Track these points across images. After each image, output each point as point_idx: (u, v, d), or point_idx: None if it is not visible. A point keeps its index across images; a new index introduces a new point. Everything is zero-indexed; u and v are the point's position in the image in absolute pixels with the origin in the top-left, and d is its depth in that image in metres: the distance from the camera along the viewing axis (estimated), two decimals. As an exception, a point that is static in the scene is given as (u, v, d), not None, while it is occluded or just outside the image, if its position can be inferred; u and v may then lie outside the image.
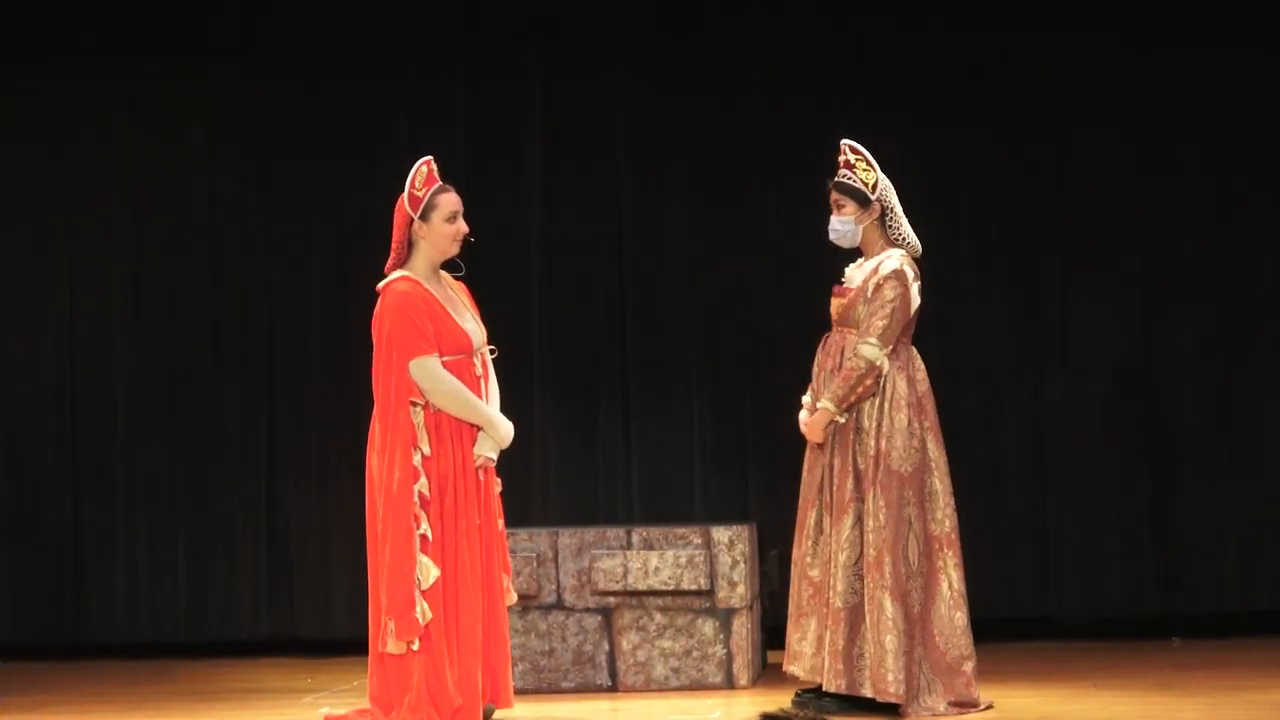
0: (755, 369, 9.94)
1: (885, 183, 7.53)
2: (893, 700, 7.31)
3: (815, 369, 7.61)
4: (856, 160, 7.50)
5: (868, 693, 7.36)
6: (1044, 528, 9.82)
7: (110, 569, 10.25)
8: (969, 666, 7.45)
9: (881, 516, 7.34)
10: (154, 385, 10.31)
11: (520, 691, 8.07)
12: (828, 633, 7.41)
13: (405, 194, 7.08)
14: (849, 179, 7.51)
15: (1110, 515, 9.76)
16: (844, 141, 7.56)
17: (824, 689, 7.43)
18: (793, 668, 7.56)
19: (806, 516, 7.56)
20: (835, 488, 7.43)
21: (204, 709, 8.32)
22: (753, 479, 9.90)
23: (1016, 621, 9.82)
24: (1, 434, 10.39)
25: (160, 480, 10.25)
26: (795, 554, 7.59)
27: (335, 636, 9.98)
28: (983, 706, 7.50)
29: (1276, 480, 9.72)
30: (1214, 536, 9.70)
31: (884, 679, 7.29)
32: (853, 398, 7.41)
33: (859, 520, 7.39)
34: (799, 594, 7.56)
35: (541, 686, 8.39)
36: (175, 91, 10.38)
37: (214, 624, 10.18)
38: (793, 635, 7.56)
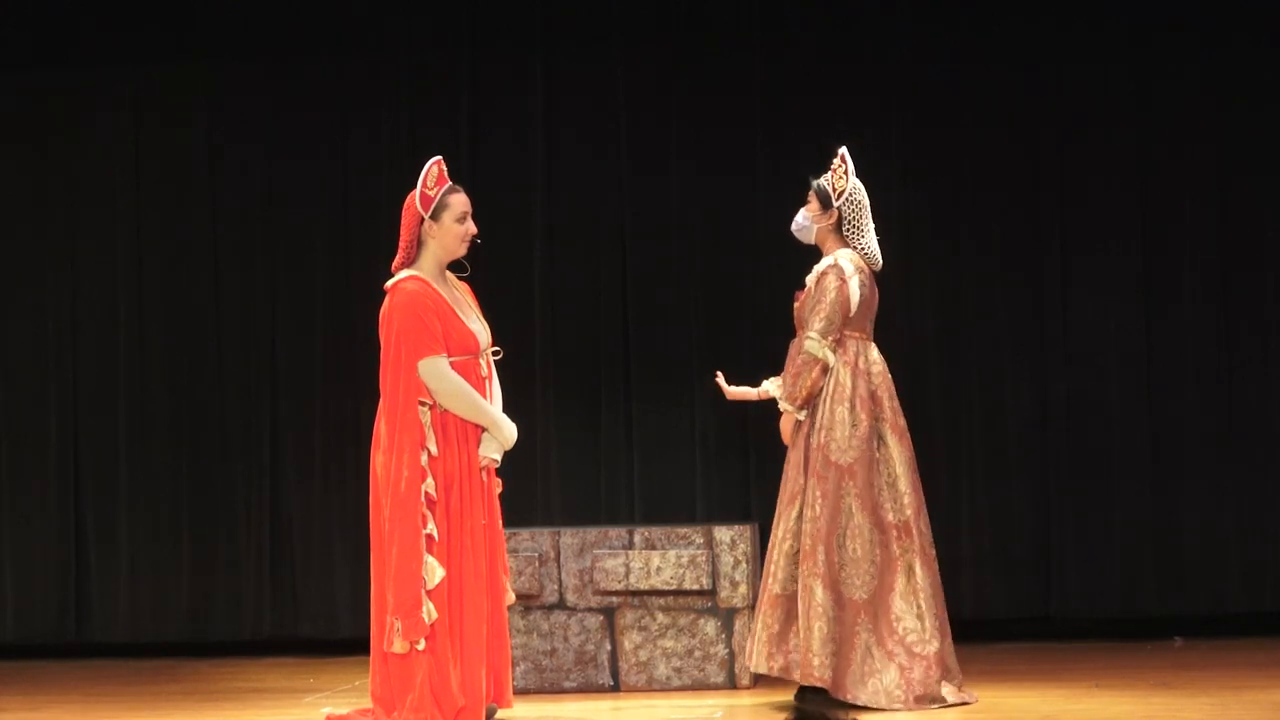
0: (758, 369, 9.89)
1: (855, 195, 7.72)
2: (817, 684, 7.44)
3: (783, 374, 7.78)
4: (839, 166, 7.72)
5: (798, 678, 7.48)
6: (1045, 527, 9.82)
7: (112, 568, 10.25)
8: (931, 650, 7.47)
9: (818, 507, 7.49)
10: (156, 384, 10.31)
11: (522, 691, 8.09)
12: (763, 617, 7.55)
13: (417, 193, 7.08)
14: (824, 181, 7.74)
15: (1112, 514, 9.76)
16: (842, 148, 7.71)
17: (754, 670, 7.59)
18: (749, 661, 7.69)
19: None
20: (788, 480, 7.62)
21: (206, 708, 8.32)
22: (755, 479, 9.89)
23: (1016, 621, 9.82)
24: (3, 433, 10.39)
25: (162, 479, 10.25)
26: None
27: (337, 636, 9.98)
28: (952, 702, 7.50)
29: (1279, 479, 9.72)
30: (1216, 536, 9.70)
31: (810, 664, 7.42)
32: (802, 393, 7.60)
33: (801, 511, 7.53)
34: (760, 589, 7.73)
35: (544, 686, 8.40)
36: (176, 91, 10.38)
37: (216, 623, 10.19)
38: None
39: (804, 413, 7.61)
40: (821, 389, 7.59)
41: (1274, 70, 9.78)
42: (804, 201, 7.82)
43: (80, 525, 10.30)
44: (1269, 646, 9.21)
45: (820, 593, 7.42)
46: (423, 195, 7.08)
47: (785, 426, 7.71)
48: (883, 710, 7.40)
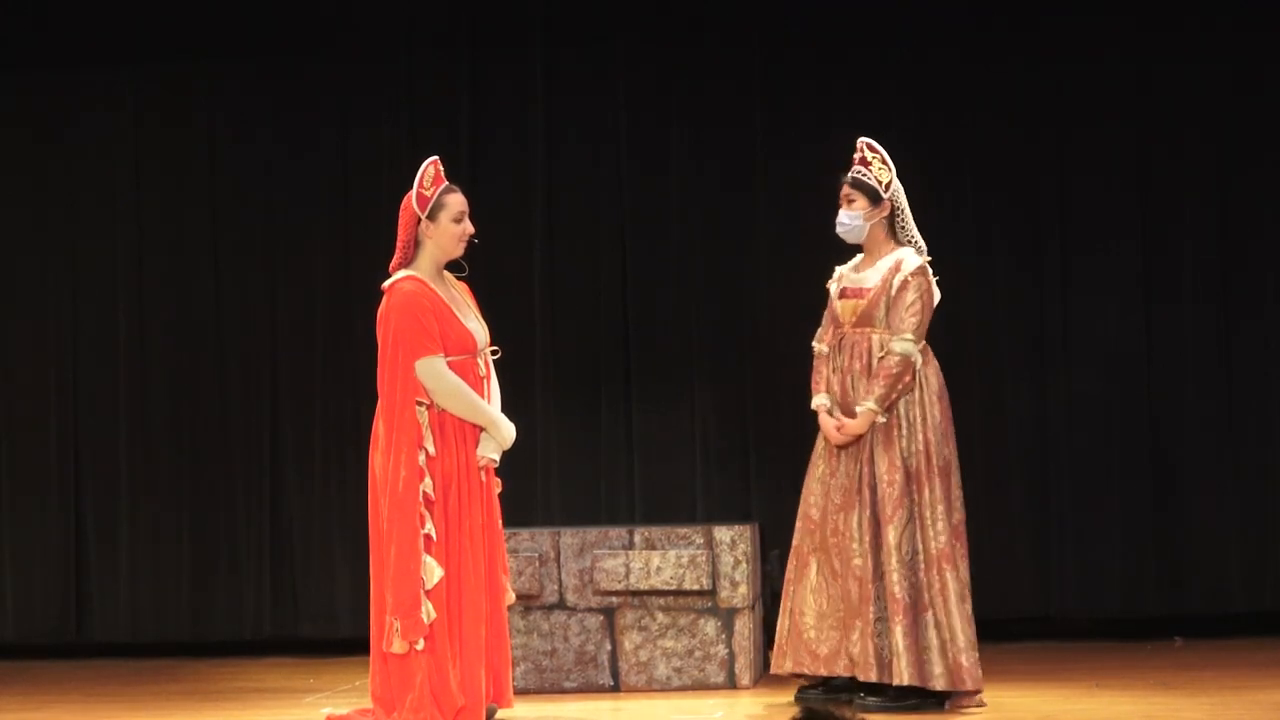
0: (758, 368, 9.94)
1: (898, 184, 7.60)
2: (971, 689, 7.40)
3: (837, 374, 7.61)
4: (873, 157, 7.61)
5: (940, 685, 7.39)
6: (1045, 527, 9.81)
7: (113, 568, 10.24)
8: (966, 658, 7.45)
9: (940, 508, 7.43)
10: (157, 383, 10.31)
11: (522, 691, 8.09)
12: (897, 628, 7.39)
13: (413, 193, 7.07)
14: (864, 175, 7.59)
15: (1112, 514, 9.76)
16: (861, 140, 7.63)
17: (892, 683, 7.41)
18: (837, 667, 7.55)
19: (849, 518, 7.54)
20: (885, 485, 7.46)
21: (206, 709, 8.33)
22: (755, 479, 9.89)
23: (1016, 621, 9.81)
24: (4, 433, 10.39)
25: (163, 479, 10.25)
26: (839, 557, 7.56)
27: (338, 636, 9.98)
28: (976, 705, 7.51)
29: (1279, 479, 9.72)
30: (1216, 536, 9.69)
31: (961, 668, 7.37)
32: (894, 395, 7.47)
33: (913, 517, 7.42)
34: (849, 596, 7.53)
35: (544, 686, 8.40)
36: (176, 91, 10.38)
37: (216, 623, 10.18)
38: (850, 637, 7.52)
39: (885, 415, 7.48)
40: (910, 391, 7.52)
41: (1274, 69, 9.78)
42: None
43: (80, 525, 10.30)
44: (1269, 646, 9.21)
45: (966, 600, 7.40)
46: (419, 195, 7.08)
47: (862, 428, 7.49)
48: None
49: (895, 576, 7.40)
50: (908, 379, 7.47)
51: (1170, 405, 9.78)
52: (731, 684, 8.37)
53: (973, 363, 9.87)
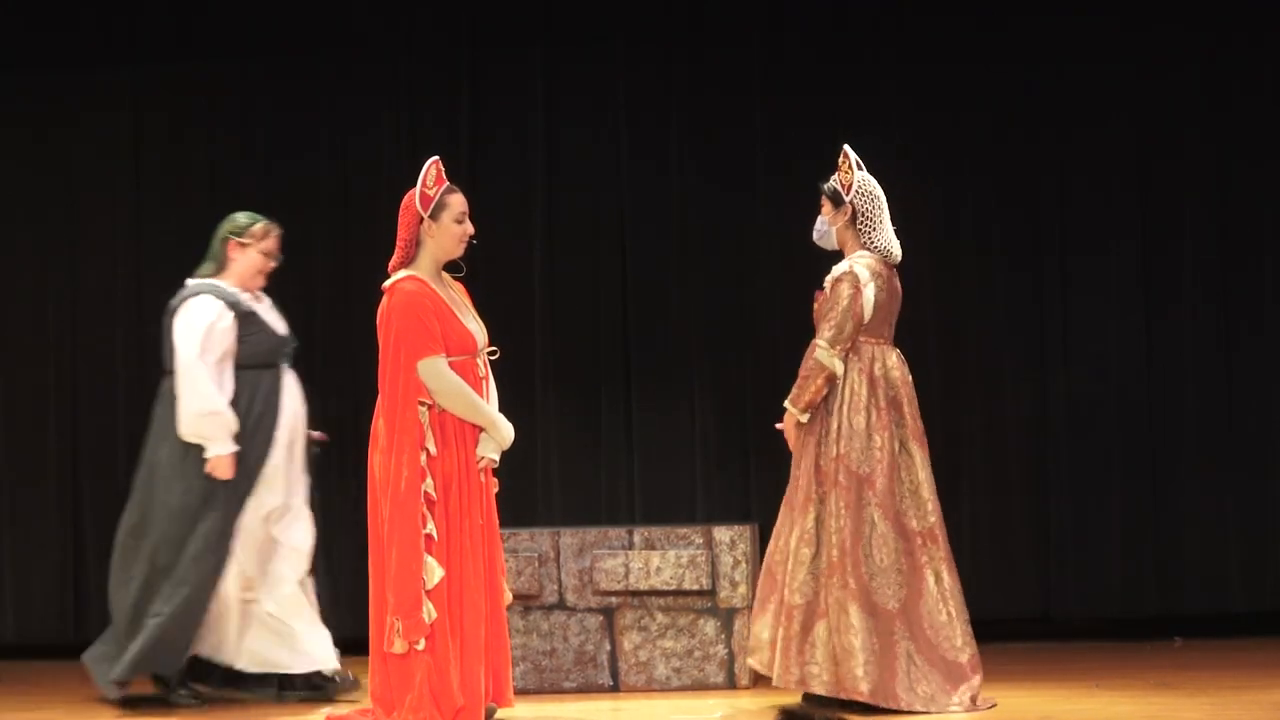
0: (758, 368, 9.94)
1: (865, 187, 7.60)
2: (863, 699, 7.36)
3: None
4: (843, 162, 7.61)
5: (817, 689, 7.41)
6: (1045, 527, 9.82)
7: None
8: (965, 658, 7.46)
9: (842, 518, 7.41)
10: (156, 383, 10.29)
11: (522, 691, 8.09)
12: (780, 628, 7.47)
13: (416, 193, 7.07)
14: (832, 180, 7.61)
15: (1111, 514, 9.76)
16: (845, 146, 7.64)
17: (774, 683, 7.49)
18: (752, 660, 7.65)
19: (780, 512, 7.68)
20: (799, 486, 7.54)
21: (206, 708, 8.31)
22: (754, 479, 9.89)
23: (1016, 621, 9.82)
24: (4, 433, 10.38)
25: (162, 480, 10.24)
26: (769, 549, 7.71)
27: (338, 636, 9.95)
28: (985, 706, 7.50)
29: (1279, 479, 9.72)
30: (1216, 536, 9.70)
31: (853, 678, 7.33)
32: (806, 398, 7.52)
33: (819, 520, 7.45)
34: (763, 586, 7.65)
35: (543, 686, 8.40)
36: (176, 91, 10.37)
37: (216, 624, 10.18)
38: (756, 625, 7.65)
39: (807, 416, 7.53)
40: (828, 396, 7.52)
41: (1274, 69, 9.78)
42: (812, 207, 7.77)
43: (80, 526, 10.29)
44: (1269, 646, 9.21)
45: (852, 609, 7.35)
46: (422, 195, 7.08)
47: (788, 427, 7.60)
48: (930, 715, 7.37)
49: (796, 583, 7.44)
50: (819, 383, 7.48)
51: (1170, 405, 9.78)
52: (731, 684, 8.37)
53: (973, 364, 9.88)
